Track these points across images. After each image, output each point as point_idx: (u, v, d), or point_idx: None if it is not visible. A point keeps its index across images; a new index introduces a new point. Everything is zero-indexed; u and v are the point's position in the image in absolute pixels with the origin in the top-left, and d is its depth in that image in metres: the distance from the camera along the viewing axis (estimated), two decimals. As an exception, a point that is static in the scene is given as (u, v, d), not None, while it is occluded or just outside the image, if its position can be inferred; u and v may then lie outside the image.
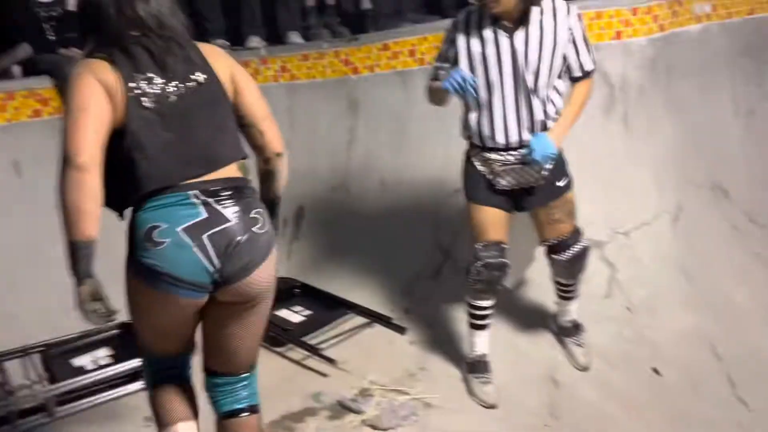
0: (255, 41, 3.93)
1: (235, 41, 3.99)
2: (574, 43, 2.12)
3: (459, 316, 2.76)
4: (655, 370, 2.53)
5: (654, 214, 3.01)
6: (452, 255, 3.05)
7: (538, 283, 2.78)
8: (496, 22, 2.09)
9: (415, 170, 3.36)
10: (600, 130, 3.00)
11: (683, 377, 2.51)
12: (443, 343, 2.66)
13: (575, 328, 2.57)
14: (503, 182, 2.22)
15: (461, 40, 2.14)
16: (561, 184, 2.26)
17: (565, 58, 2.13)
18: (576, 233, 2.35)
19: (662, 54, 3.18)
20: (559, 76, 2.15)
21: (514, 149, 2.17)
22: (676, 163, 3.16)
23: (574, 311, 2.56)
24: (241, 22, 3.98)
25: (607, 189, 2.95)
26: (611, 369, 2.55)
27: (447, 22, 3.36)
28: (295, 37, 3.95)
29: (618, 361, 2.57)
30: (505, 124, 2.15)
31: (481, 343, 2.39)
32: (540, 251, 2.60)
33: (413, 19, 3.68)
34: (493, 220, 2.24)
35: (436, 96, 2.23)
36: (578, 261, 2.35)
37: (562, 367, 2.55)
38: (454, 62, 2.16)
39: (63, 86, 3.22)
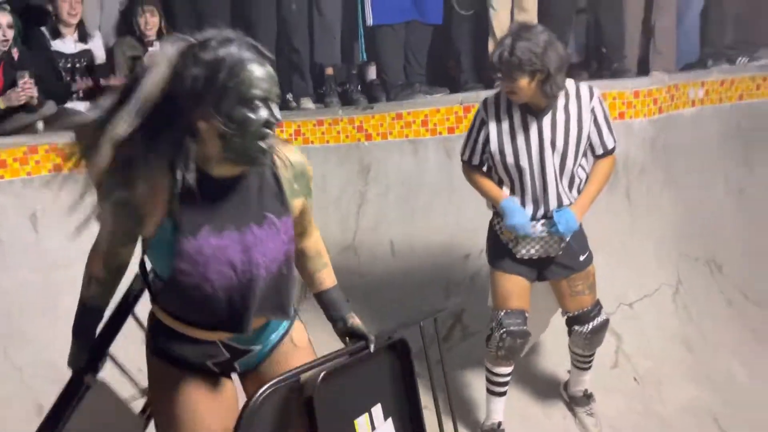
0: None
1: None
2: (596, 123, 2.24)
3: (470, 382, 2.81)
4: (662, 442, 2.60)
5: (655, 287, 3.14)
6: (463, 320, 3.12)
7: (550, 351, 2.85)
8: (524, 106, 2.22)
9: (426, 235, 3.46)
10: (605, 205, 3.13)
11: (689, 450, 2.59)
12: (454, 409, 2.69)
13: (587, 398, 2.63)
14: (523, 251, 2.31)
15: (492, 122, 2.26)
16: (583, 257, 2.37)
17: (588, 138, 2.25)
18: (597, 305, 2.44)
19: (661, 134, 3.38)
20: (584, 155, 2.28)
21: (538, 220, 2.28)
22: (674, 238, 3.32)
23: (587, 381, 2.63)
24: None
25: (612, 261, 3.05)
26: (620, 439, 2.61)
27: (459, 96, 3.60)
28: (307, 103, 4.10)
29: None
30: (533, 198, 2.26)
31: (497, 411, 2.44)
32: (552, 320, 2.69)
33: (424, 91, 3.86)
34: (516, 288, 2.32)
35: (476, 188, 2.40)
36: (599, 332, 2.43)
37: (573, 437, 2.61)
38: (485, 142, 2.28)
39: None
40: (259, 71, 1.18)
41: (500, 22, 3.60)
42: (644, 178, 3.31)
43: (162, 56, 1.18)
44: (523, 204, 2.27)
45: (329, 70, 4.18)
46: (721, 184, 3.64)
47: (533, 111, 2.21)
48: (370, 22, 3.86)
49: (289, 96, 4.28)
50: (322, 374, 1.32)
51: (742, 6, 3.97)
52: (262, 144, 1.20)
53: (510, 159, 2.23)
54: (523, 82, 2.09)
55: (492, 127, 2.26)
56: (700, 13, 3.94)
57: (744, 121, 3.74)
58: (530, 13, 3.56)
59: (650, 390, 2.78)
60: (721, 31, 3.98)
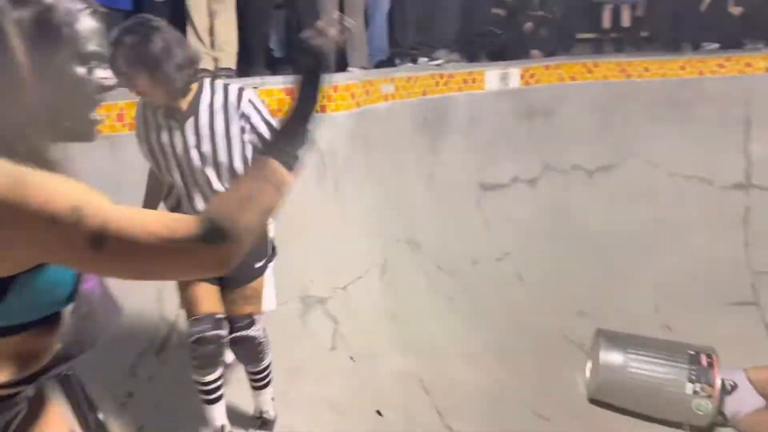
0: None
1: None
2: (253, 126, 2.06)
3: (190, 389, 2.65)
4: (378, 413, 2.78)
5: (365, 269, 3.36)
6: (178, 326, 2.93)
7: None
8: (167, 110, 2.02)
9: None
10: (313, 194, 3.24)
11: (401, 415, 2.81)
12: (176, 425, 2.51)
13: (263, 424, 2.46)
14: None
15: (141, 127, 2.09)
16: (258, 265, 2.23)
17: (247, 141, 2.08)
18: (249, 318, 2.24)
19: (360, 127, 3.62)
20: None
21: None
22: (379, 222, 3.58)
23: (267, 402, 2.45)
24: None
25: (324, 248, 3.19)
26: (341, 417, 2.71)
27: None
28: None
29: (346, 409, 2.75)
30: (192, 204, 2.13)
31: (218, 417, 2.30)
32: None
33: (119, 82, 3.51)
34: (201, 292, 2.15)
35: None
36: (242, 344, 2.24)
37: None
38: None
39: None
40: (95, 24, 0.93)
41: (197, 9, 3.45)
42: (349, 168, 3.51)
43: None
44: (186, 203, 2.14)
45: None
46: (414, 170, 4.05)
47: (175, 115, 2.02)
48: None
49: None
50: None
51: (421, 10, 4.45)
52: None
53: (161, 166, 2.09)
54: (141, 80, 1.87)
55: (141, 132, 2.10)
56: (387, 15, 4.31)
57: (428, 113, 4.21)
58: (226, 3, 3.48)
59: (365, 366, 2.95)
60: (404, 32, 4.41)
